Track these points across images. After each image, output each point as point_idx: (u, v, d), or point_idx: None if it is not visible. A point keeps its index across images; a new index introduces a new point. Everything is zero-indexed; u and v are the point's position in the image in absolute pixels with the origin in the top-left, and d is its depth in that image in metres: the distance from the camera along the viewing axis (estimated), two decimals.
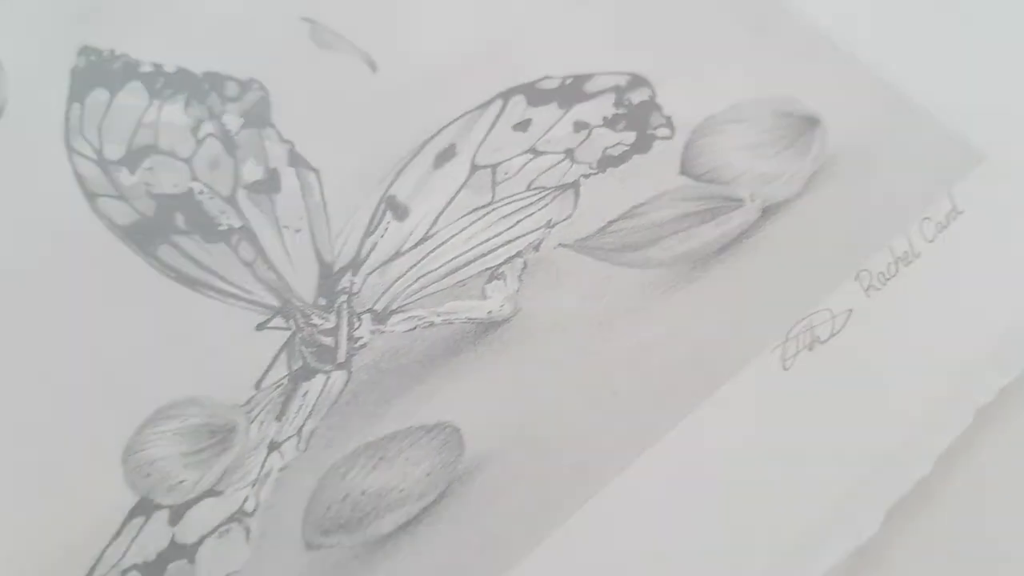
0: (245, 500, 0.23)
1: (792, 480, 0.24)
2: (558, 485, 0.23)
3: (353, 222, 0.27)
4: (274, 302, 0.25)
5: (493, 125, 0.28)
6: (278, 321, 0.25)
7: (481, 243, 0.27)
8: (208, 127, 0.28)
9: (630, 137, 0.28)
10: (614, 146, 0.28)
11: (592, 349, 0.25)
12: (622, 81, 0.29)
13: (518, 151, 0.28)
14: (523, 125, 0.28)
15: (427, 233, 0.27)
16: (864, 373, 0.25)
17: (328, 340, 0.25)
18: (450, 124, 0.28)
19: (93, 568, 0.22)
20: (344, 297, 0.26)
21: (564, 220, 0.27)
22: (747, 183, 0.27)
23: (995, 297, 0.26)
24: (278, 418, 0.24)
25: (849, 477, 0.24)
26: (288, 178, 0.27)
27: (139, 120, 0.28)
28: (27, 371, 0.24)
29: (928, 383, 0.25)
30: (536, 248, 0.26)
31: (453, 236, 0.27)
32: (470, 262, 0.26)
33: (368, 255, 0.26)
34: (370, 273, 0.26)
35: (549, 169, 0.28)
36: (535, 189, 0.27)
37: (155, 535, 0.23)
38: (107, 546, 0.23)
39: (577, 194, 0.27)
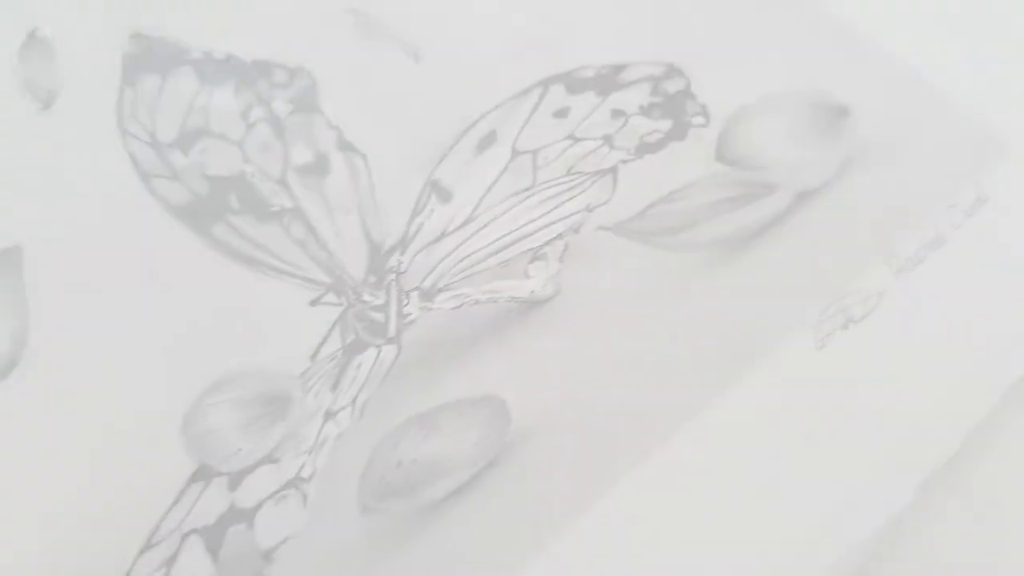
0: (302, 467, 0.24)
1: (827, 452, 0.24)
2: (601, 455, 0.24)
3: (400, 205, 0.27)
4: (326, 279, 0.26)
5: (533, 112, 0.29)
6: (330, 297, 0.26)
7: (523, 225, 0.27)
8: (258, 112, 0.28)
9: (666, 125, 0.29)
10: (651, 133, 0.29)
11: (631, 327, 0.26)
12: (658, 71, 0.30)
13: (558, 137, 0.29)
14: (562, 112, 0.29)
15: (471, 215, 0.27)
16: (896, 352, 0.26)
17: (379, 316, 0.26)
18: (491, 111, 0.29)
19: (155, 530, 0.23)
20: (393, 276, 0.27)
21: (603, 204, 0.28)
22: (781, 170, 0.28)
23: (1021, 281, 0.27)
24: (333, 389, 0.25)
25: (881, 448, 0.25)
26: (337, 162, 0.28)
27: (191, 104, 0.28)
28: (93, 346, 0.25)
29: (957, 363, 0.26)
30: (577, 231, 0.27)
31: (495, 218, 0.28)
32: (513, 243, 0.27)
33: (415, 236, 0.27)
34: (417, 253, 0.27)
35: (588, 155, 0.28)
36: (574, 174, 0.28)
37: (214, 500, 0.24)
38: (168, 510, 0.23)
39: (615, 179, 0.28)
